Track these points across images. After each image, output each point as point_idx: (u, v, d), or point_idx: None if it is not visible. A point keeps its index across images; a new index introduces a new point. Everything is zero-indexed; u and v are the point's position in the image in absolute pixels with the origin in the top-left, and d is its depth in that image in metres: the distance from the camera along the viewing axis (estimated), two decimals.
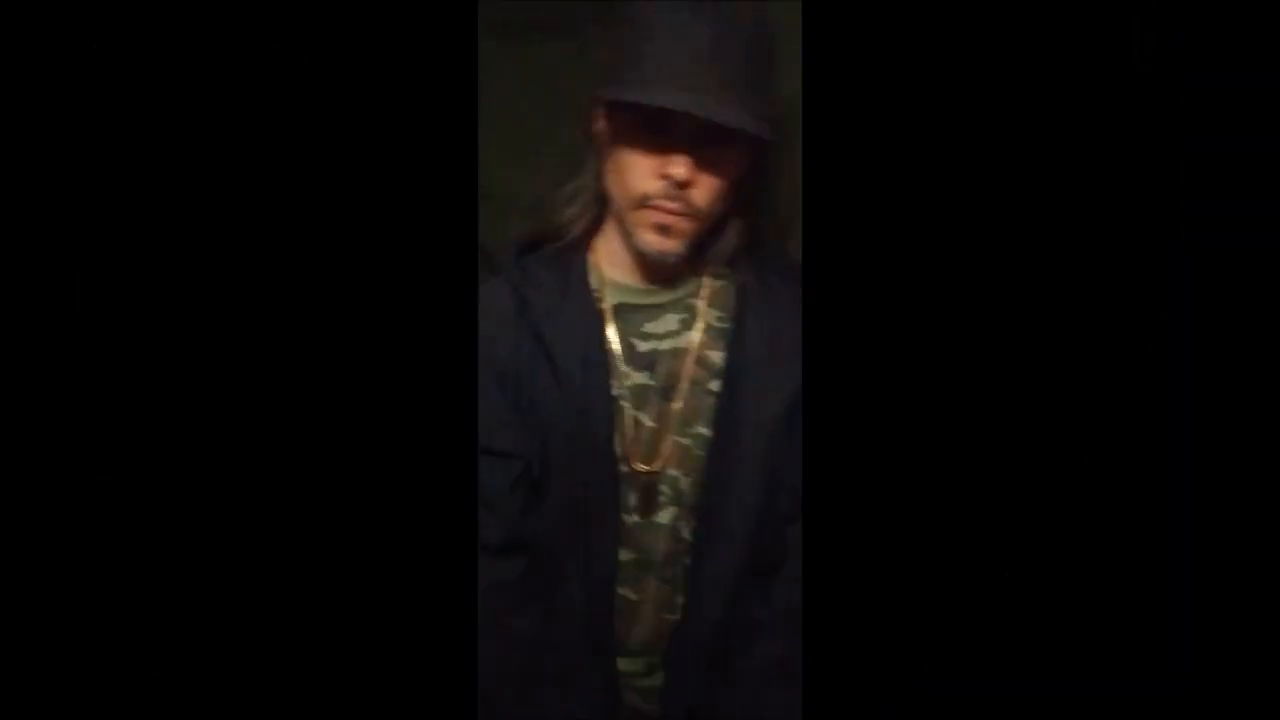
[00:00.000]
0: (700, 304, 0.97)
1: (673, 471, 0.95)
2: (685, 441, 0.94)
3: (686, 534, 0.94)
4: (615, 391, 0.94)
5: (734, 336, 0.95)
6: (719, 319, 0.97)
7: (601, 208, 0.96)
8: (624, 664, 0.96)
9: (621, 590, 0.95)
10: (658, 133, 0.87)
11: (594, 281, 0.97)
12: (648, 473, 0.94)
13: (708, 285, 0.97)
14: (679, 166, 0.87)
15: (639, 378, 0.95)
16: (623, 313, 0.96)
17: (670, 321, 0.97)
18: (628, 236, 0.93)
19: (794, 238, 1.28)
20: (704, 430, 0.94)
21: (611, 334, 0.95)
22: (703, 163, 0.88)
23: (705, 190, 0.90)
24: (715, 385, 0.95)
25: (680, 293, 0.97)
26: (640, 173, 0.89)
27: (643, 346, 0.96)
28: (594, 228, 0.98)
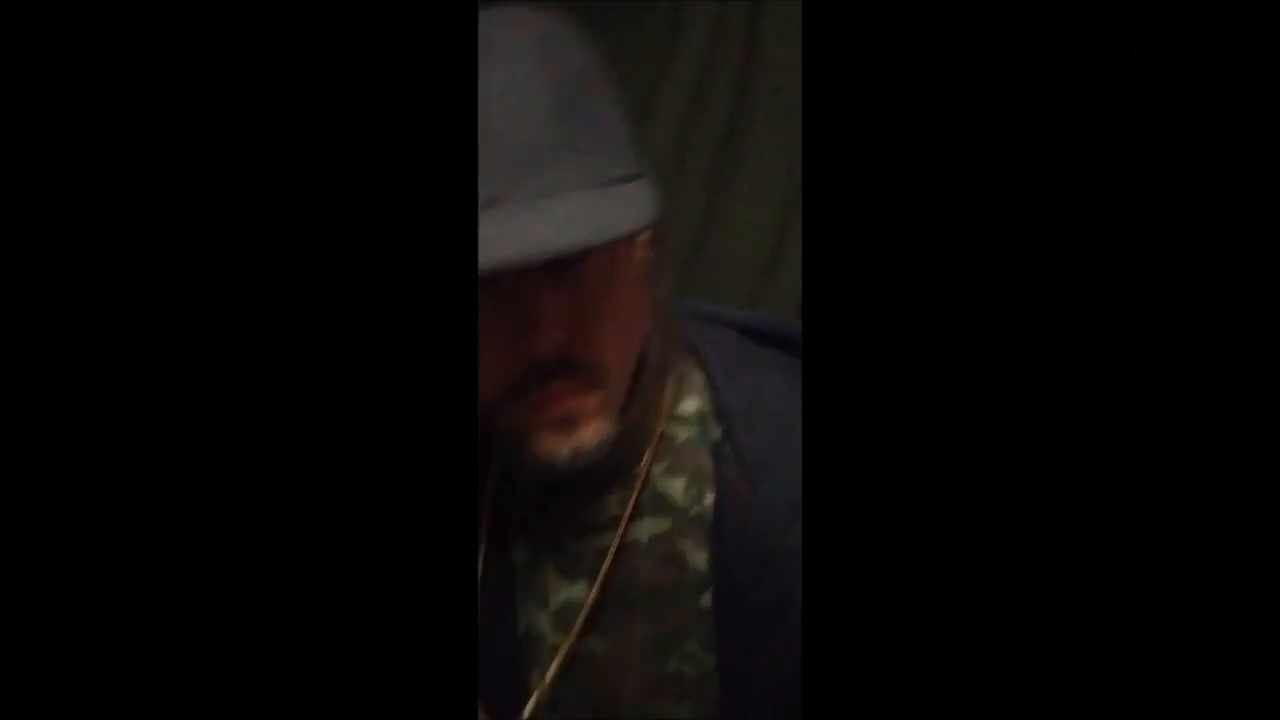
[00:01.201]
0: (658, 473, 0.69)
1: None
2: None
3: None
4: (530, 633, 0.69)
5: (715, 520, 0.67)
6: (686, 493, 0.68)
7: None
8: None
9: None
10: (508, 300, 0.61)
11: None
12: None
13: (649, 448, 0.68)
14: (539, 330, 0.60)
15: (573, 592, 0.67)
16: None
17: (616, 505, 0.69)
18: (518, 453, 0.66)
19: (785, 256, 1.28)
20: (705, 655, 0.67)
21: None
22: (575, 311, 0.62)
23: (596, 343, 0.63)
24: (706, 601, 0.67)
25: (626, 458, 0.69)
26: (497, 364, 0.63)
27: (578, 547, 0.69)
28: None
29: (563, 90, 0.61)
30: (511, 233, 0.57)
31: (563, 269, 0.60)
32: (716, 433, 0.69)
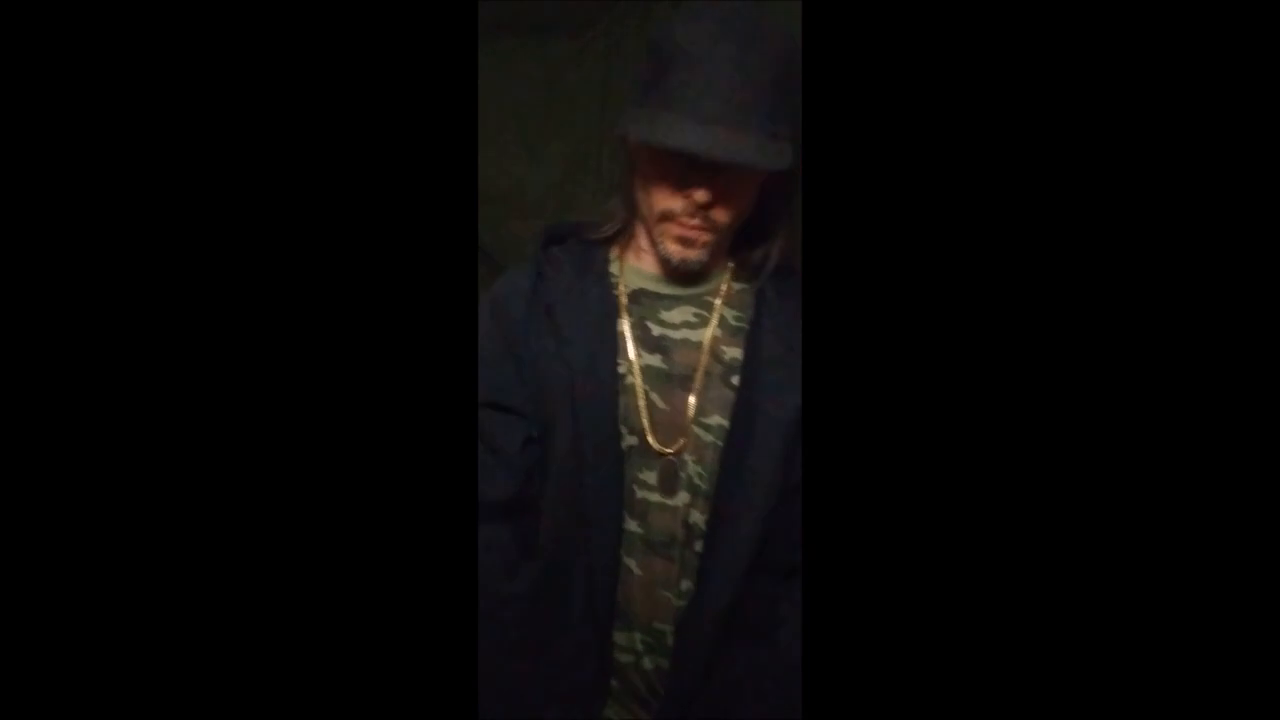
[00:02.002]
0: (717, 302, 1.01)
1: (689, 458, 0.97)
2: (701, 432, 0.97)
3: (698, 520, 0.96)
4: (622, 369, 0.97)
5: (750, 336, 1.00)
6: (736, 318, 1.01)
7: (631, 214, 1.01)
8: (619, 637, 0.97)
9: (626, 560, 0.96)
10: (679, 159, 0.91)
11: (615, 270, 1.02)
12: (666, 454, 0.96)
13: (727, 286, 1.02)
14: (699, 192, 0.92)
15: (650, 359, 0.98)
16: (639, 298, 1.01)
17: (686, 313, 1.01)
18: (653, 243, 0.99)
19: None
20: (721, 421, 0.97)
21: (624, 315, 0.99)
22: (724, 186, 0.94)
23: (726, 210, 0.95)
24: (733, 379, 0.98)
25: (699, 290, 1.02)
26: (663, 192, 0.95)
27: (656, 331, 0.99)
28: (623, 230, 1.03)
29: (781, 67, 0.91)
30: (720, 143, 0.88)
31: (730, 171, 0.92)
32: (759, 284, 1.03)
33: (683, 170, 0.92)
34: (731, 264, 1.03)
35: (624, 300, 1.00)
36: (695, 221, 0.95)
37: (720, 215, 0.95)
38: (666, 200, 0.94)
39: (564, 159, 1.35)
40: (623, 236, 1.03)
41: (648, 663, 0.97)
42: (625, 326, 0.99)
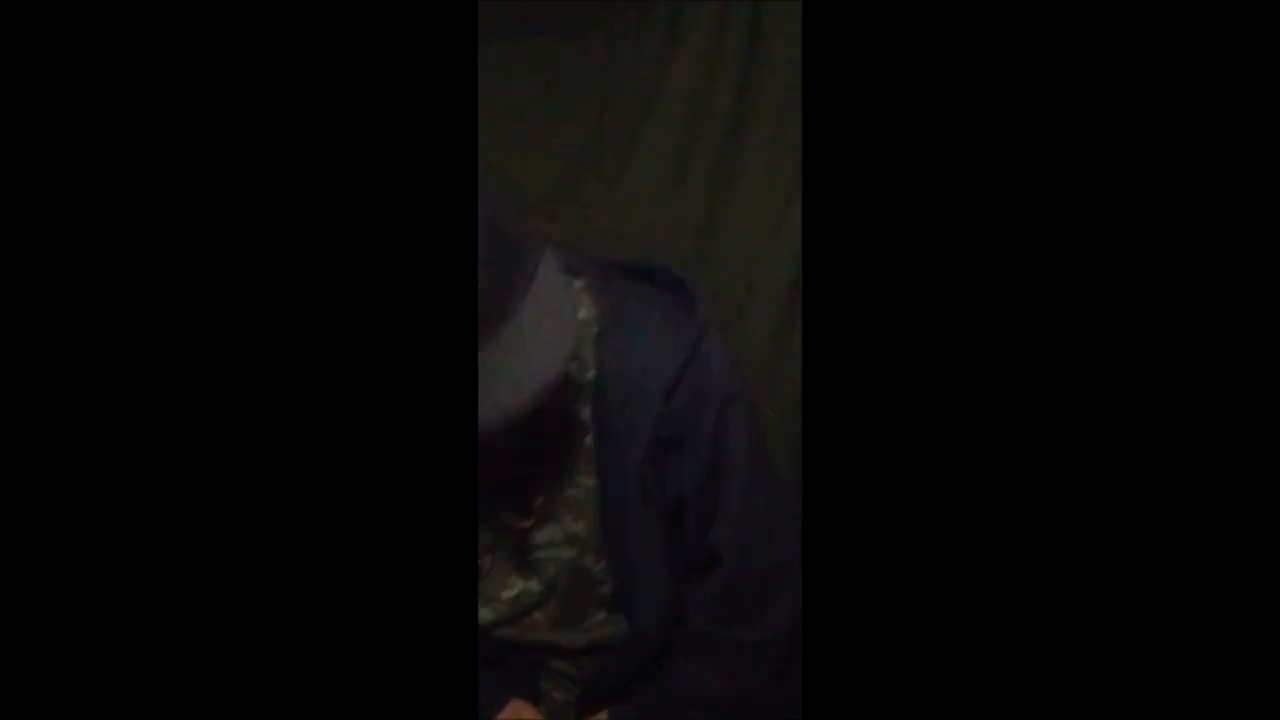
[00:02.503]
0: None
1: (563, 514, 0.98)
2: (570, 492, 0.98)
3: (592, 565, 0.99)
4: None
5: (595, 391, 0.96)
6: (575, 374, 0.95)
7: None
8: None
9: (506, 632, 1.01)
10: None
11: None
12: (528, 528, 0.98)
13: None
14: None
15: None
16: None
17: None
18: None
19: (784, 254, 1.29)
20: (587, 481, 0.97)
21: None
22: None
23: None
24: (587, 441, 0.96)
25: None
26: None
27: None
28: None
29: None
30: None
31: None
32: (595, 329, 0.97)
33: None
34: None
35: None
36: None
37: None
38: None
39: (564, 159, 1.35)
40: None
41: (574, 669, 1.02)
42: None
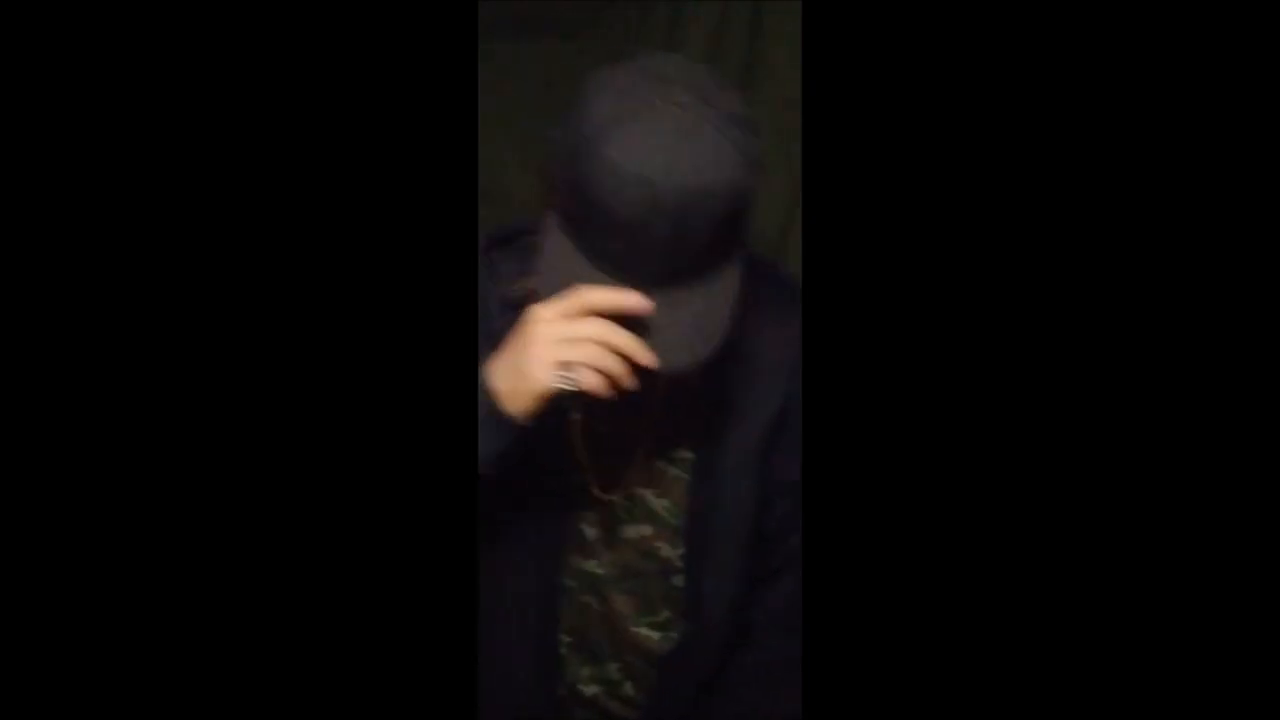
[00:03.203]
0: None
1: (644, 490, 0.93)
2: (662, 464, 0.93)
3: (668, 553, 0.93)
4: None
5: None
6: None
7: None
8: (588, 670, 0.96)
9: (584, 598, 0.94)
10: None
11: None
12: (608, 500, 0.92)
13: None
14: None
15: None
16: None
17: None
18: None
19: (787, 255, 1.29)
20: (686, 454, 0.92)
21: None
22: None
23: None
24: (682, 409, 0.91)
25: None
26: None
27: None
28: None
29: None
30: None
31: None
32: None
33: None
34: None
35: None
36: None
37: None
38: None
39: None
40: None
41: (628, 690, 0.97)
42: None
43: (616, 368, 0.76)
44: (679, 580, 0.93)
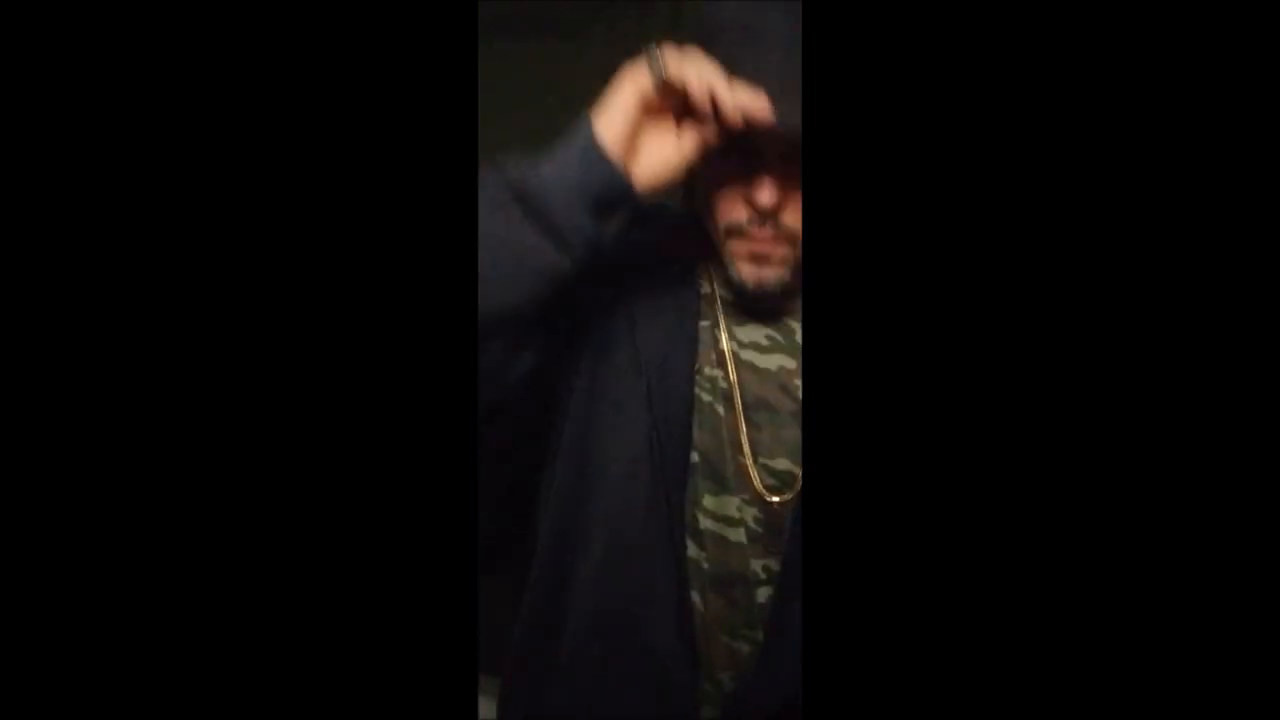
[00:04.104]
0: (796, 324, 0.90)
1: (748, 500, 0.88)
2: (763, 476, 0.88)
3: (761, 571, 0.88)
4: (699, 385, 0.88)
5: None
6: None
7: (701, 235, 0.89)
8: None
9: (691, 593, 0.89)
10: (740, 154, 0.81)
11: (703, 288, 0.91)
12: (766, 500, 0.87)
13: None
14: (764, 192, 0.80)
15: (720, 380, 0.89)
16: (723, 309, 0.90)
17: (758, 334, 0.90)
18: (725, 268, 0.87)
19: None
20: (792, 467, 0.88)
21: (706, 326, 0.89)
22: (789, 182, 0.82)
23: (797, 211, 0.82)
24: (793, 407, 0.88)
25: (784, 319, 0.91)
26: (726, 202, 0.84)
27: (743, 355, 0.89)
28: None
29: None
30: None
31: (792, 162, 0.80)
32: None
33: (743, 168, 0.81)
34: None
35: (709, 307, 0.89)
36: (766, 233, 0.82)
37: (792, 219, 0.82)
38: (730, 210, 0.83)
39: None
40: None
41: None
42: (707, 342, 0.88)
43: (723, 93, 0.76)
44: (763, 598, 0.87)
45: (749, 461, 0.87)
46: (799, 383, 0.88)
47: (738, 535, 0.88)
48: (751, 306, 0.89)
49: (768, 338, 0.89)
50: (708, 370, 0.89)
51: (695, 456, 0.88)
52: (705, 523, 0.88)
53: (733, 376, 0.89)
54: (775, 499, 0.86)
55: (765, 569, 0.88)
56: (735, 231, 0.84)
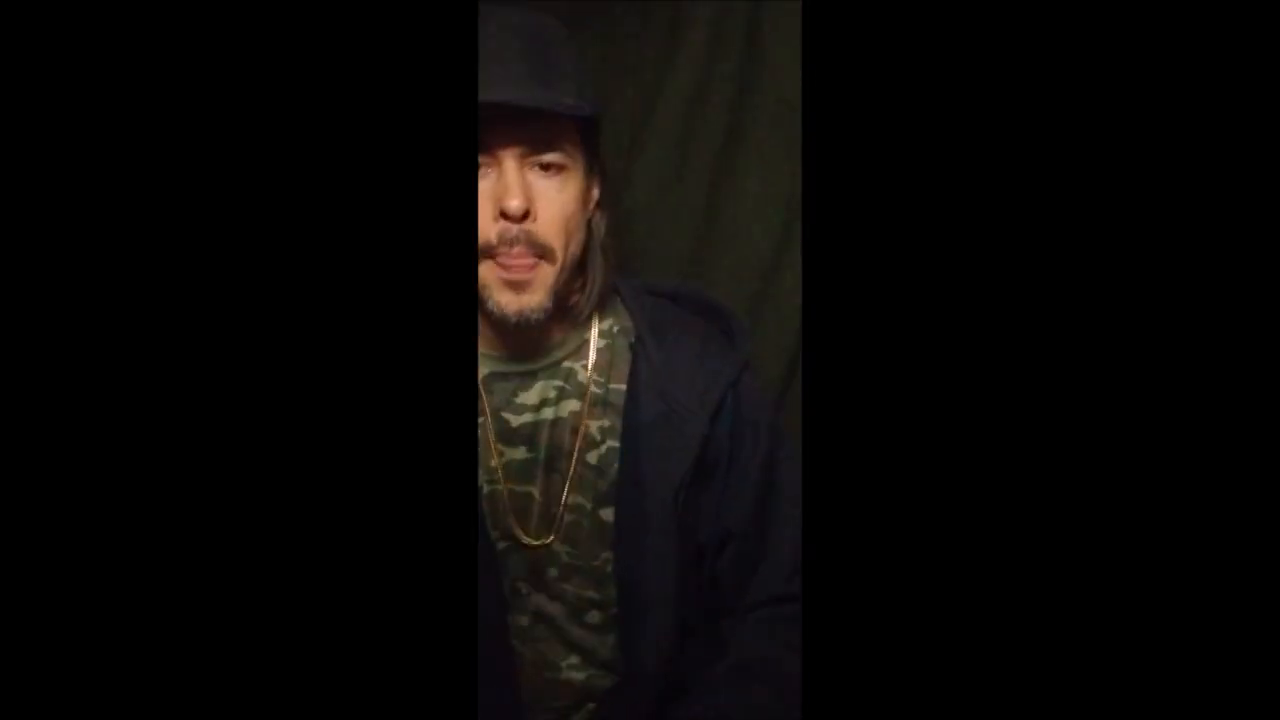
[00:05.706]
0: (578, 367, 0.92)
1: (560, 547, 0.92)
2: (572, 517, 0.92)
3: (597, 605, 0.93)
4: (491, 466, 0.90)
5: (627, 402, 0.90)
6: (600, 384, 0.92)
7: None
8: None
9: (519, 646, 0.93)
10: (484, 153, 0.80)
11: None
12: (535, 547, 0.91)
13: (589, 346, 0.92)
14: (512, 197, 0.79)
15: (516, 454, 0.91)
16: (491, 383, 0.91)
17: (546, 390, 0.91)
18: (481, 304, 0.85)
19: (789, 251, 1.28)
20: (586, 503, 0.91)
21: (480, 409, 0.90)
22: (537, 188, 0.82)
23: (549, 222, 0.82)
24: (593, 458, 0.91)
25: (556, 356, 0.92)
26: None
27: (516, 421, 0.90)
28: None
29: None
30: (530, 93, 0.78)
31: (547, 166, 0.81)
32: (631, 338, 0.92)
33: (489, 171, 0.80)
34: (595, 319, 0.92)
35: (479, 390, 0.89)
36: (519, 251, 0.81)
37: (545, 231, 0.81)
38: (480, 229, 0.80)
39: None
40: None
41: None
42: (483, 422, 0.89)
43: None
44: (604, 616, 0.92)
45: None
46: (592, 423, 0.91)
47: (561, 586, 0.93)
48: (523, 368, 0.89)
49: (556, 389, 0.91)
50: (495, 457, 0.91)
51: (503, 543, 0.91)
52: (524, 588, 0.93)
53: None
54: (531, 541, 0.90)
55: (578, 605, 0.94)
56: (487, 253, 0.81)
